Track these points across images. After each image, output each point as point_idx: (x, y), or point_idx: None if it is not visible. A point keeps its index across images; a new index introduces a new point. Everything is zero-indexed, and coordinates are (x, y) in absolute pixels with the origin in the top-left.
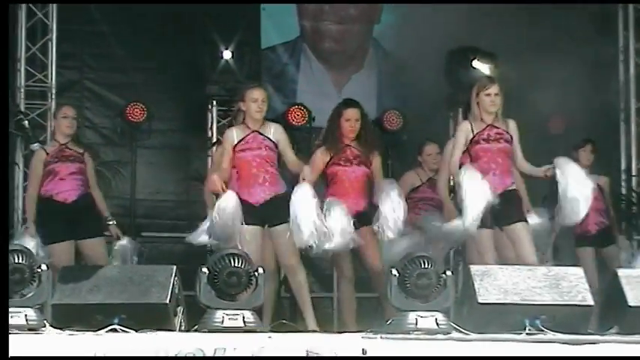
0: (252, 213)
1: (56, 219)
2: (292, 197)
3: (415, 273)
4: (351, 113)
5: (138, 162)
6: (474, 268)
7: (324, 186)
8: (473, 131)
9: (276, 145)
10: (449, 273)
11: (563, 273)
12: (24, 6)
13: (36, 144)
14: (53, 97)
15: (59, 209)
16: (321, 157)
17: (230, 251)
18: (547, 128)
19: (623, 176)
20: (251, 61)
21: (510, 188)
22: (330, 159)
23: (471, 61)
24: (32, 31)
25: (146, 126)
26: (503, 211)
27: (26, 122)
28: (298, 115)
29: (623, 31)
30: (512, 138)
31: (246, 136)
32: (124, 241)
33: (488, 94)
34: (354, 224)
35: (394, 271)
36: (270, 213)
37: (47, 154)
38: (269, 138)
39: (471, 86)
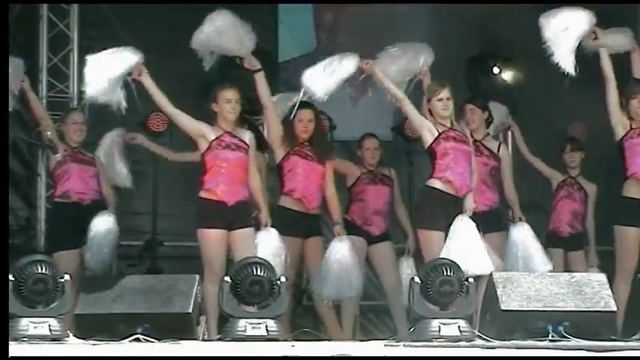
0: (221, 213)
1: (67, 222)
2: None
3: (438, 280)
4: (304, 114)
5: (159, 174)
6: (496, 275)
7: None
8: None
9: (247, 150)
10: (471, 280)
11: (586, 279)
12: (45, 17)
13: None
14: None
15: (72, 211)
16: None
17: (252, 260)
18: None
19: None
20: (270, 73)
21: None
22: (288, 152)
23: (491, 68)
24: (54, 42)
25: (167, 136)
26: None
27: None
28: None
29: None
30: None
31: (221, 135)
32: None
33: (440, 99)
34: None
35: (416, 279)
36: (236, 217)
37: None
38: (243, 140)
39: (488, 92)
